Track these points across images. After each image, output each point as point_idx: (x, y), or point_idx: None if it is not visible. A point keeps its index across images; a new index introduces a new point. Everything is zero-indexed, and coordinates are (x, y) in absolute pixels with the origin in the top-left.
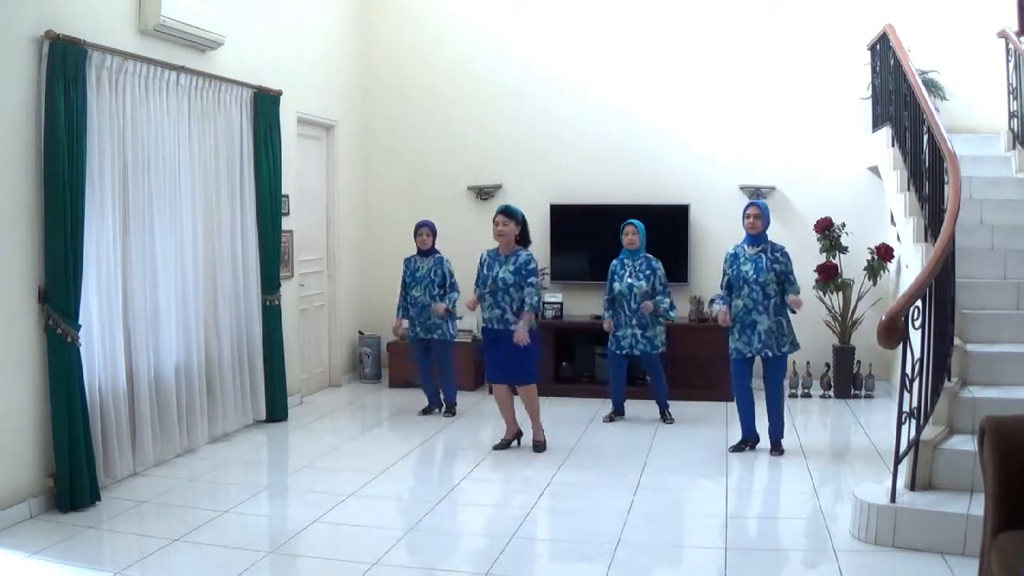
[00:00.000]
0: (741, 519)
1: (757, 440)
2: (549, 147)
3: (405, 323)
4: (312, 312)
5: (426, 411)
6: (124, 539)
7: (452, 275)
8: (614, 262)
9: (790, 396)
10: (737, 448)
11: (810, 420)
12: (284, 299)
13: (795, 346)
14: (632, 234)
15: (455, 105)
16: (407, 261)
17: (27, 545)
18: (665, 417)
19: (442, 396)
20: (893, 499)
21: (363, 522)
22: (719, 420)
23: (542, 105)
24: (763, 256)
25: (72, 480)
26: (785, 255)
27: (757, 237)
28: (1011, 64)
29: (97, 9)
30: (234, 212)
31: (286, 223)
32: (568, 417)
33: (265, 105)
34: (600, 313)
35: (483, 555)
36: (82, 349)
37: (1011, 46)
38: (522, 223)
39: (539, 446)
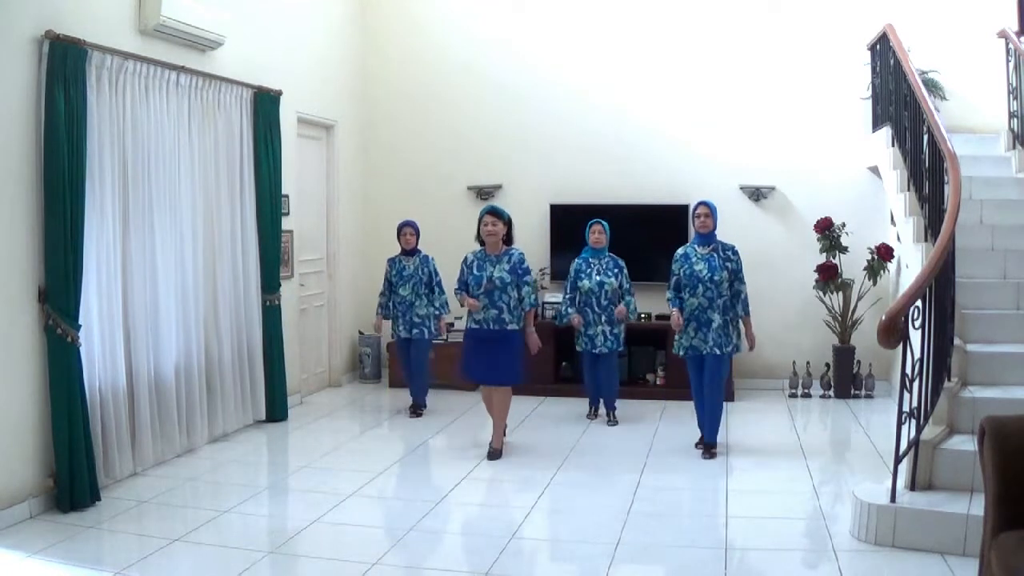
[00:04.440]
0: (741, 519)
1: None
2: (549, 147)
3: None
4: (312, 312)
5: (414, 413)
6: (124, 539)
7: (438, 274)
8: (578, 260)
9: (790, 396)
10: (707, 454)
11: (810, 420)
12: (284, 299)
13: (738, 348)
14: (599, 233)
15: (455, 105)
16: (392, 261)
17: (27, 545)
18: (611, 418)
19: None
20: (893, 499)
21: (363, 522)
22: None
23: (542, 105)
24: (715, 255)
25: (72, 480)
26: (736, 253)
27: (707, 236)
28: (1011, 64)
29: (97, 9)
30: (234, 212)
31: (286, 223)
32: (568, 417)
33: (265, 105)
34: None
35: (483, 555)
36: (82, 349)
37: (1011, 46)
38: (508, 223)
39: (496, 454)
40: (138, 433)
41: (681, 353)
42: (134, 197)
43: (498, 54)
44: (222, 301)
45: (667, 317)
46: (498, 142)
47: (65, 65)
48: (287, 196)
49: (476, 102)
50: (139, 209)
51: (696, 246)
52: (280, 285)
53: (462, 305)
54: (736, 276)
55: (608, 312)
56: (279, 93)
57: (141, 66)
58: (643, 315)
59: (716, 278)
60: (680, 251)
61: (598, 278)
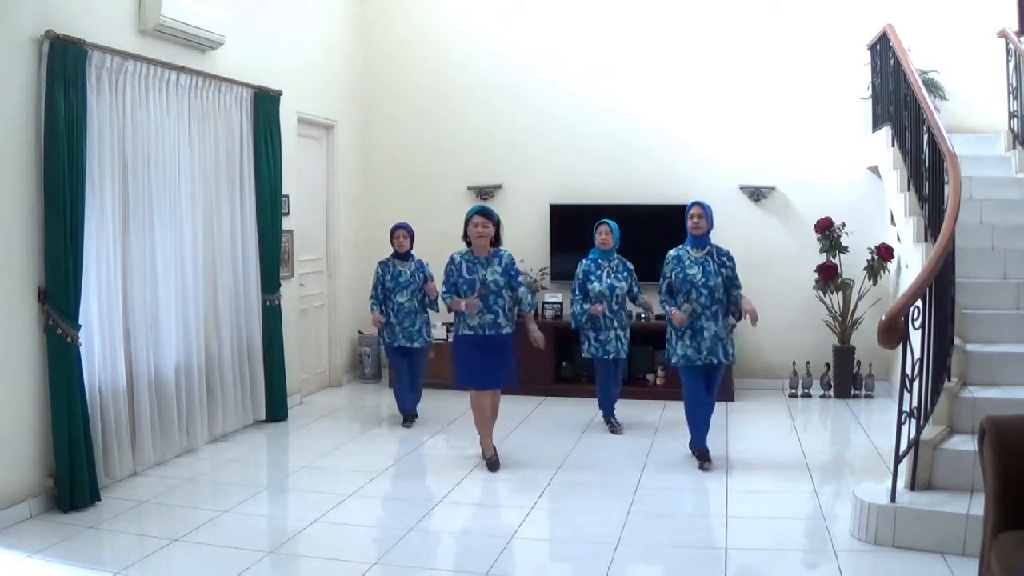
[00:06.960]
0: (741, 519)
1: None
2: (549, 147)
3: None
4: (312, 312)
5: (407, 423)
6: (124, 539)
7: (432, 277)
8: (586, 262)
9: (790, 396)
10: (707, 463)
11: (810, 420)
12: (284, 299)
13: (734, 357)
14: (606, 234)
15: (455, 105)
16: (384, 265)
17: (27, 545)
18: (615, 426)
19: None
20: (893, 499)
21: (363, 522)
22: (718, 423)
23: (542, 105)
24: (710, 260)
25: (72, 480)
26: (731, 259)
27: (701, 239)
28: (1011, 64)
29: (97, 9)
30: (234, 212)
31: (286, 223)
32: (567, 417)
33: (265, 105)
34: None
35: (483, 555)
36: (82, 349)
37: (1011, 46)
38: (497, 224)
39: (495, 464)
40: (138, 433)
41: (673, 361)
42: (134, 197)
43: (498, 54)
44: (222, 301)
45: (664, 318)
46: (498, 142)
47: (65, 65)
48: (287, 196)
49: (476, 102)
50: (139, 209)
51: (689, 248)
52: (280, 285)
53: (451, 311)
54: (732, 283)
55: (619, 316)
56: (279, 93)
57: (141, 66)
58: (642, 315)
59: (711, 283)
60: (672, 253)
61: (609, 281)
